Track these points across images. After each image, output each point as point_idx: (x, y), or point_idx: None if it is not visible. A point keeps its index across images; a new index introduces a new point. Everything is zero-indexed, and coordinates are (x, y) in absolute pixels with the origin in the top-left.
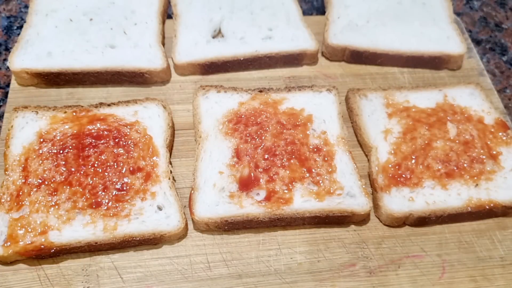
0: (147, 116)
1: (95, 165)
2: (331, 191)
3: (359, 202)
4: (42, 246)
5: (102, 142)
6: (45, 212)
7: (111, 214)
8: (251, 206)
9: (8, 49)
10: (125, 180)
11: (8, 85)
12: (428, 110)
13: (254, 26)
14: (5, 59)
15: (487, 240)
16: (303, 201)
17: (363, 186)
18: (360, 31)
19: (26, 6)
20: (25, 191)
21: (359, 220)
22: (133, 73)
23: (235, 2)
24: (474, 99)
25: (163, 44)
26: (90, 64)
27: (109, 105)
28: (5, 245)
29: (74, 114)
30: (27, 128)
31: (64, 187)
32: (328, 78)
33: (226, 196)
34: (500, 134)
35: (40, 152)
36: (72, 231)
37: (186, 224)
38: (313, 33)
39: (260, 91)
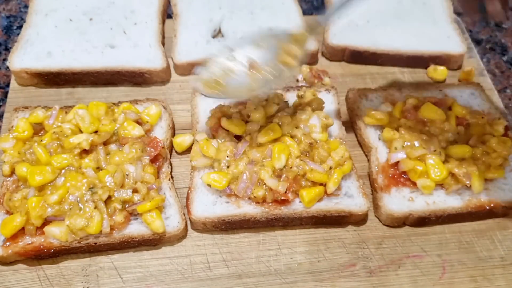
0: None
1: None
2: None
3: (356, 203)
4: (41, 246)
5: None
6: None
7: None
8: (248, 206)
9: (8, 49)
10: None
11: (8, 85)
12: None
13: (254, 26)
14: (5, 59)
15: (487, 240)
16: (300, 201)
17: (361, 187)
18: (360, 31)
19: (26, 6)
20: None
21: (357, 220)
22: (133, 73)
23: (235, 2)
24: (475, 99)
25: (163, 44)
26: (90, 64)
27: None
28: (5, 245)
29: None
30: None
31: None
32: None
33: (224, 195)
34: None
35: None
36: None
37: (186, 225)
38: None
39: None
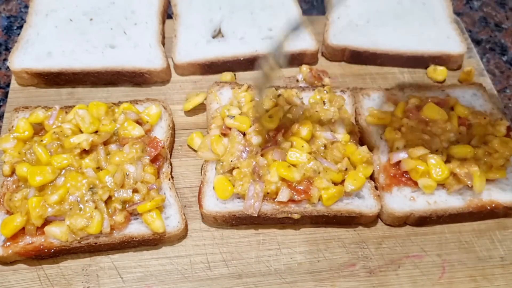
0: None
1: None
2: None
3: (367, 204)
4: (41, 246)
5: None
6: None
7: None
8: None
9: (8, 49)
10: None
11: (8, 85)
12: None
13: (254, 26)
14: (5, 59)
15: (487, 240)
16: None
17: (372, 188)
18: (360, 31)
19: (26, 6)
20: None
21: (367, 221)
22: (133, 73)
23: (235, 2)
24: (477, 100)
25: (163, 44)
26: (90, 64)
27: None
28: (5, 245)
29: None
30: None
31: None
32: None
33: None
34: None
35: None
36: None
37: (186, 225)
38: (313, 33)
39: (276, 89)
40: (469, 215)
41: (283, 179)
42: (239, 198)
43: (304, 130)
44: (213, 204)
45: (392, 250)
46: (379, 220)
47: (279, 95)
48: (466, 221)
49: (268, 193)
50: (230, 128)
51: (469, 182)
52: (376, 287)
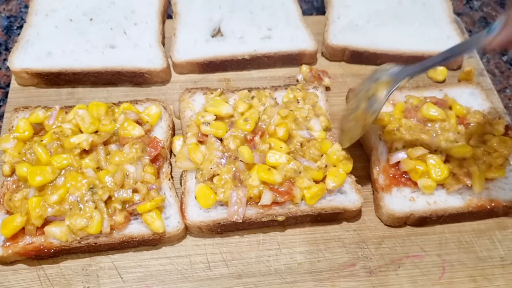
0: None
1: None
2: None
3: (350, 199)
4: (41, 246)
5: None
6: None
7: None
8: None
9: (8, 49)
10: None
11: (8, 85)
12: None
13: (253, 25)
14: (5, 59)
15: (487, 240)
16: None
17: (353, 183)
18: (360, 31)
19: (26, 6)
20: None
21: (351, 216)
22: (133, 73)
23: (235, 2)
24: (475, 99)
25: (163, 44)
26: (90, 64)
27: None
28: (5, 245)
29: None
30: None
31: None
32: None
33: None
34: None
35: None
36: None
37: (186, 225)
38: (313, 33)
39: (249, 91)
40: (469, 215)
41: (264, 182)
42: (222, 205)
43: (281, 131)
44: (196, 214)
45: (392, 250)
46: (379, 220)
47: (252, 97)
48: (466, 220)
49: (251, 197)
50: (206, 135)
51: (468, 182)
52: (376, 287)
